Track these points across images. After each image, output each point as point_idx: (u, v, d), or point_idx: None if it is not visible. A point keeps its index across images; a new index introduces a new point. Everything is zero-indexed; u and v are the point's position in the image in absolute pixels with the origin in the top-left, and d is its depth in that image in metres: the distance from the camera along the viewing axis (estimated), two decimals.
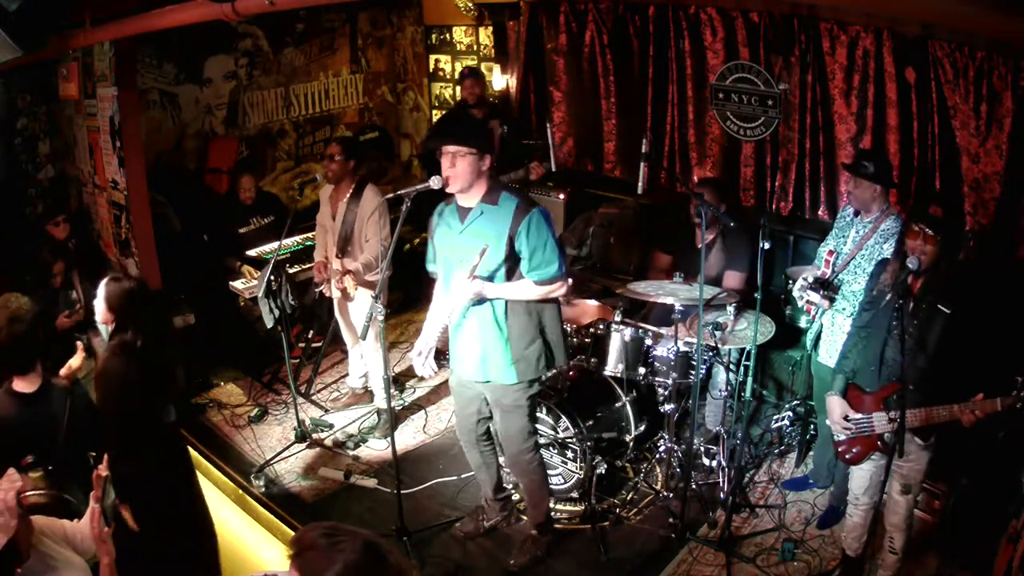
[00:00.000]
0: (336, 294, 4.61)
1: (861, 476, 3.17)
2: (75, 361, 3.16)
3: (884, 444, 2.98)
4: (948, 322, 2.83)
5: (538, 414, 3.96)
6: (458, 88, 7.04)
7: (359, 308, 4.62)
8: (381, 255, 4.27)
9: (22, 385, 2.84)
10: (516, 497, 3.96)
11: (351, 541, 1.61)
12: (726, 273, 4.25)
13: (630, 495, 4.06)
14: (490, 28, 6.52)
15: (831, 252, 3.71)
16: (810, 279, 3.64)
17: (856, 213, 3.63)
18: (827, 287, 3.60)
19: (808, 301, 3.63)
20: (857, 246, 3.54)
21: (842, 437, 3.10)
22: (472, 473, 4.03)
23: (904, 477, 3.06)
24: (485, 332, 3.27)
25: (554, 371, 3.50)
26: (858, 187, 3.50)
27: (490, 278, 3.19)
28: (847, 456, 3.12)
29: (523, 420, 3.42)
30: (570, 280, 3.34)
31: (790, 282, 4.43)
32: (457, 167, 3.07)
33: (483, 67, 6.63)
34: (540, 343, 3.30)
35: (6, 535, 1.97)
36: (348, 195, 4.49)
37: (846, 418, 3.06)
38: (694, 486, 3.96)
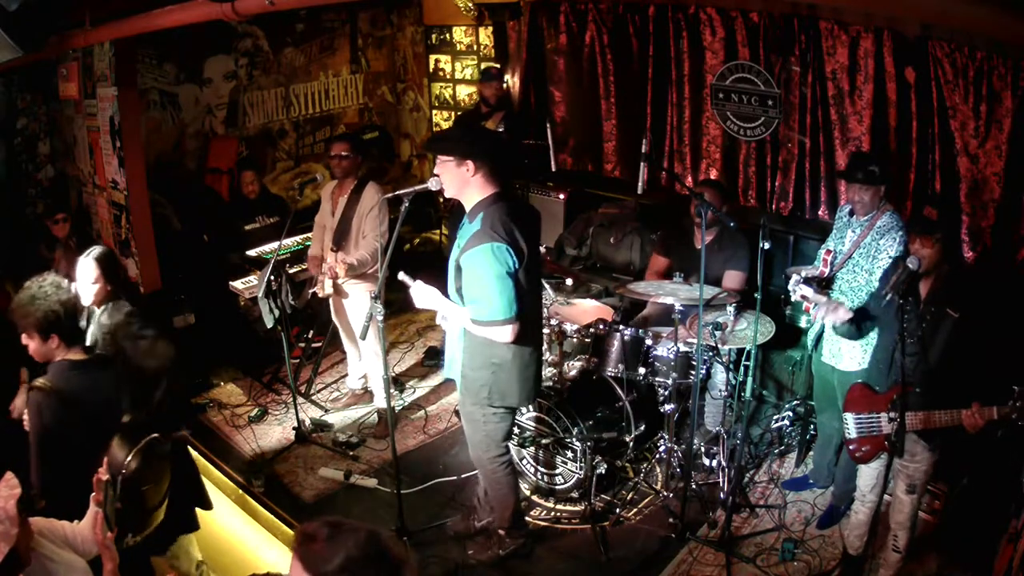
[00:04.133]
0: (330, 290, 4.60)
1: (869, 474, 3.19)
2: (19, 401, 3.06)
3: (891, 445, 2.98)
4: (956, 326, 2.84)
5: (538, 414, 3.97)
6: (458, 88, 7.07)
7: (356, 307, 4.62)
8: (380, 254, 4.27)
9: (77, 355, 2.80)
10: None
11: (354, 534, 1.62)
12: (726, 273, 4.25)
13: (630, 495, 4.06)
14: (490, 28, 6.52)
15: (828, 252, 3.72)
16: (803, 274, 3.64)
17: (851, 212, 3.64)
18: (820, 284, 3.60)
19: (802, 296, 3.62)
20: (854, 244, 3.56)
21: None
22: (472, 473, 4.03)
23: (909, 477, 3.07)
24: (454, 336, 3.31)
25: (505, 406, 3.34)
26: (866, 192, 3.47)
27: (450, 291, 3.20)
28: (857, 455, 3.13)
29: (480, 435, 3.39)
30: (514, 328, 3.01)
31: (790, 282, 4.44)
32: (441, 175, 3.07)
33: (483, 67, 6.62)
34: (488, 375, 3.21)
35: (8, 544, 1.93)
36: (349, 191, 4.50)
37: (855, 417, 3.06)
38: (694, 486, 3.95)
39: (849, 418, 3.12)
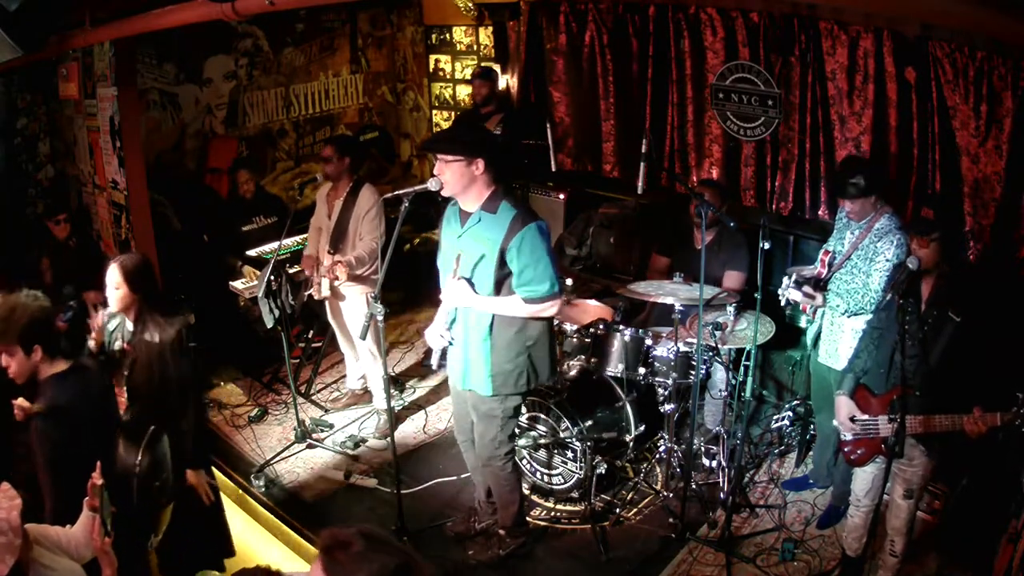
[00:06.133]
0: (326, 292, 4.61)
1: (864, 478, 3.18)
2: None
3: (887, 448, 2.98)
4: (957, 330, 2.83)
5: (538, 414, 3.97)
6: (458, 88, 7.07)
7: (352, 310, 4.63)
8: (380, 256, 4.27)
9: (59, 366, 2.70)
10: None
11: (387, 557, 1.54)
12: (726, 273, 4.26)
13: (630, 495, 4.06)
14: (490, 28, 6.52)
15: (827, 252, 3.72)
16: (793, 277, 3.64)
17: None
18: (815, 285, 3.60)
19: (793, 301, 3.64)
20: (852, 246, 3.56)
21: (848, 437, 3.10)
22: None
23: (907, 482, 3.06)
24: (471, 341, 3.28)
25: (535, 387, 3.43)
26: (855, 203, 3.49)
27: (478, 288, 3.18)
28: (852, 457, 3.12)
29: (496, 430, 3.40)
30: (562, 299, 3.22)
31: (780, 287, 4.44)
32: (445, 174, 3.07)
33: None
34: (524, 360, 3.25)
35: (13, 557, 1.91)
36: (345, 194, 4.51)
37: (853, 419, 3.06)
38: (694, 486, 3.95)
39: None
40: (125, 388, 3.19)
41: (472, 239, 3.18)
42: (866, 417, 3.03)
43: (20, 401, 2.67)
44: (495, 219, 3.11)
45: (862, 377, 3.11)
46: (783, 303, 3.72)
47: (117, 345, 3.26)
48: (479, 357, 3.27)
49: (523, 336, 3.23)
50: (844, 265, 3.58)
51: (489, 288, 3.17)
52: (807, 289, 3.59)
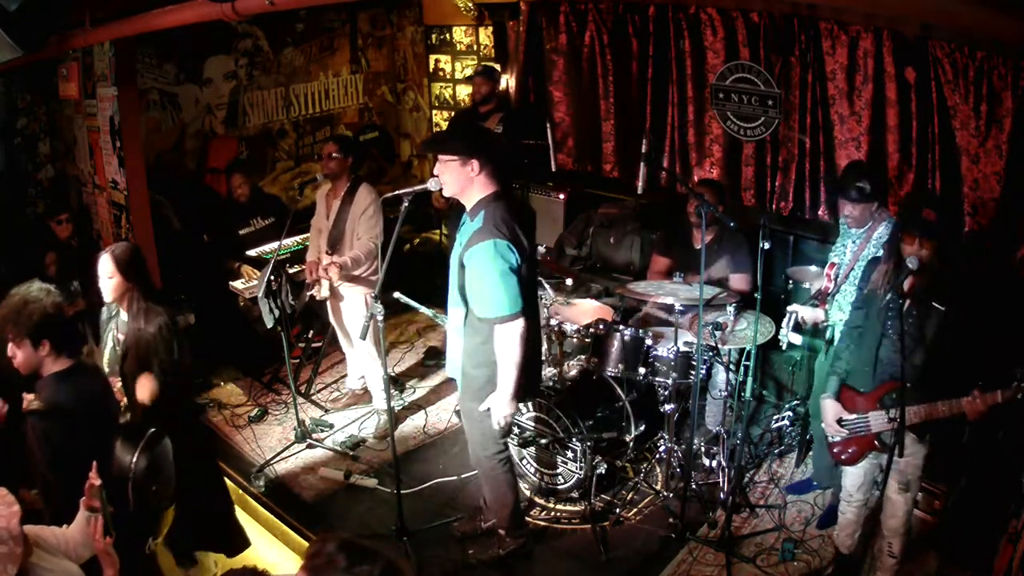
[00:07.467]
0: (326, 292, 4.61)
1: (855, 473, 3.17)
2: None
3: (881, 443, 2.98)
4: (943, 318, 2.84)
5: (538, 414, 3.97)
6: (458, 88, 7.07)
7: (352, 310, 4.63)
8: (380, 256, 4.27)
9: (62, 364, 2.70)
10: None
11: (371, 566, 1.56)
12: (732, 276, 4.25)
13: (630, 495, 4.06)
14: (490, 28, 6.52)
15: (832, 265, 3.72)
16: (792, 319, 3.69)
17: None
18: (826, 300, 3.62)
19: (791, 344, 3.73)
20: (854, 257, 3.56)
21: (836, 439, 3.10)
22: (472, 473, 4.03)
23: (901, 474, 3.04)
24: (454, 336, 3.32)
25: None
26: (856, 208, 3.49)
27: (451, 291, 3.21)
28: (843, 457, 3.12)
29: (478, 432, 3.40)
30: (520, 321, 3.05)
31: (790, 283, 4.44)
32: (442, 175, 3.08)
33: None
34: (488, 373, 3.22)
35: (15, 565, 1.90)
36: (342, 194, 4.51)
37: (840, 421, 3.06)
38: (694, 486, 3.95)
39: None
40: (120, 378, 3.20)
41: (458, 243, 3.20)
42: (853, 416, 3.03)
43: (31, 397, 2.68)
44: (470, 226, 3.11)
45: (845, 378, 3.11)
46: (784, 347, 3.79)
47: (112, 336, 3.28)
48: (457, 351, 3.33)
49: (487, 348, 3.19)
50: (848, 277, 3.58)
51: (456, 291, 3.19)
52: (809, 315, 3.65)
